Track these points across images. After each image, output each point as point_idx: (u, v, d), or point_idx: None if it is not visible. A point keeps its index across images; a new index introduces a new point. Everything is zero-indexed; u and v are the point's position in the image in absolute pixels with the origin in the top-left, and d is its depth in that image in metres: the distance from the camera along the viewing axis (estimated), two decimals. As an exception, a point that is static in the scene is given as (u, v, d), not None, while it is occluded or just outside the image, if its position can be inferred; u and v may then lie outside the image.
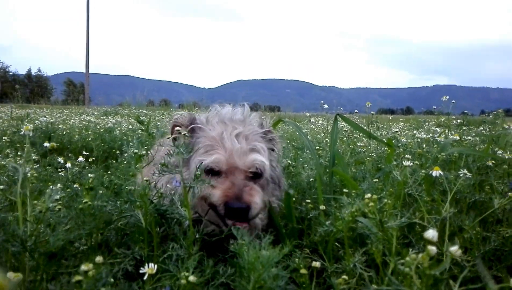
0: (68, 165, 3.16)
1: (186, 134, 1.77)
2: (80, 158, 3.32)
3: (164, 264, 1.15)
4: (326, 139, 7.36)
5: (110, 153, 5.48)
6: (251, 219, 1.61)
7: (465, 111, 4.15)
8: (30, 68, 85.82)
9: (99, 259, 0.88)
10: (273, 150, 1.96)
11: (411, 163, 1.52)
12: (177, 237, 1.36)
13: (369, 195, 1.16)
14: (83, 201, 1.36)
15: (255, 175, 1.74)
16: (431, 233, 0.83)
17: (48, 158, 3.60)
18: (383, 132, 6.18)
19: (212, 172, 1.68)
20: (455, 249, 0.79)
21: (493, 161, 2.14)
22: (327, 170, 2.41)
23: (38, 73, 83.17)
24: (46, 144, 3.54)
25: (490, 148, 2.95)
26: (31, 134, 1.41)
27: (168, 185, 1.64)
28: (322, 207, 1.68)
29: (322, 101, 4.50)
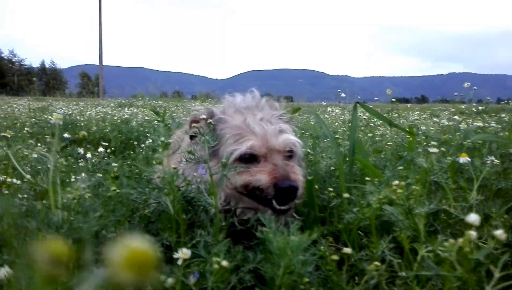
0: (89, 155, 3.21)
1: (209, 124, 1.79)
2: (100, 149, 3.36)
3: (193, 250, 1.16)
4: (343, 128, 7.31)
5: (127, 144, 5.53)
6: (298, 197, 1.64)
7: (488, 98, 4.08)
8: (43, 61, 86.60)
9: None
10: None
11: (437, 150, 1.51)
12: (203, 224, 1.37)
13: (396, 182, 1.16)
14: (112, 189, 1.38)
15: (290, 154, 1.76)
16: (473, 217, 0.82)
17: (68, 149, 3.65)
18: (401, 120, 6.11)
19: (249, 158, 1.68)
20: (500, 232, 0.78)
21: (517, 148, 2.11)
22: (347, 159, 2.40)
23: (52, 66, 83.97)
24: (66, 135, 3.60)
25: (512, 136, 2.91)
26: (61, 123, 1.42)
27: (194, 173, 1.65)
28: (346, 195, 1.67)
29: (339, 90, 4.47)
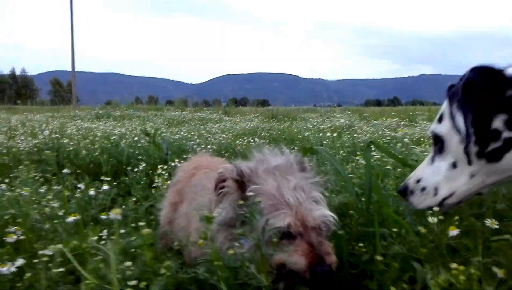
0: (92, 192, 3.13)
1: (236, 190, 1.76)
2: (105, 187, 3.24)
3: None
4: (328, 141, 7.37)
5: (118, 168, 5.42)
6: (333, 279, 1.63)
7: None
8: (13, 68, 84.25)
9: None
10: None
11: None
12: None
13: (455, 265, 1.19)
14: (162, 266, 1.35)
15: (324, 229, 1.74)
16: None
17: (65, 178, 3.55)
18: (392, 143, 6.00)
19: (285, 235, 1.64)
20: None
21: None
22: (362, 199, 2.43)
23: (23, 73, 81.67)
24: (66, 170, 3.52)
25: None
26: (119, 218, 1.39)
27: (234, 243, 1.61)
28: (380, 258, 1.68)
29: (327, 103, 4.50)
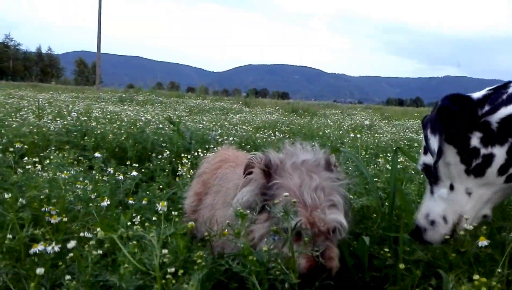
0: (121, 177, 3.25)
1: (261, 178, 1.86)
2: (134, 173, 3.36)
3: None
4: (348, 139, 7.38)
5: (143, 154, 5.56)
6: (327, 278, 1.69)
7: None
8: (40, 46, 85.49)
9: None
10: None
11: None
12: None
13: (477, 276, 1.24)
14: (197, 261, 1.44)
15: (334, 232, 1.78)
16: None
17: (93, 160, 3.67)
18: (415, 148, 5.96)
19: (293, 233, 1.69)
20: None
21: None
22: (385, 203, 2.48)
23: (49, 52, 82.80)
24: (97, 154, 3.66)
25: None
26: (165, 210, 1.48)
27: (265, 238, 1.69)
28: (402, 265, 1.73)
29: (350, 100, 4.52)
